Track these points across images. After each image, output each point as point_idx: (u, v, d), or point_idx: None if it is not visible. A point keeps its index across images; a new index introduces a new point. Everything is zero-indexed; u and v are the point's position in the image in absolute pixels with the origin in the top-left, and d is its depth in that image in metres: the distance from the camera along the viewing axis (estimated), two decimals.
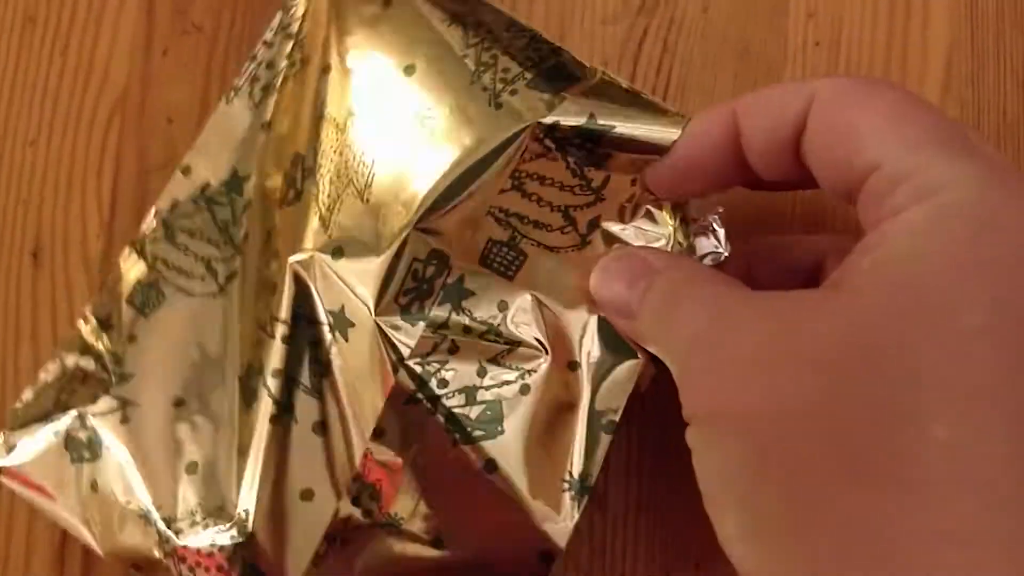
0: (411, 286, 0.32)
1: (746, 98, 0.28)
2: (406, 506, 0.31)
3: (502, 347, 0.32)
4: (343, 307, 0.32)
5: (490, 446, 0.31)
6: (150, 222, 0.36)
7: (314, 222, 0.33)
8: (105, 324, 0.35)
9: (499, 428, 0.31)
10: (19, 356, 0.38)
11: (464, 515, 0.31)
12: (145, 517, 0.33)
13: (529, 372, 0.31)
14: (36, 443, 0.34)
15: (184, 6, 0.40)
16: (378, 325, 0.31)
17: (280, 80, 0.36)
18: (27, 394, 0.35)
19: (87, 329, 0.36)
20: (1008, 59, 0.39)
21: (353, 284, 0.32)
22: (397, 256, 0.31)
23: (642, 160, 0.31)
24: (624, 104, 0.31)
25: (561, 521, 0.30)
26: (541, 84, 0.32)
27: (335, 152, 0.34)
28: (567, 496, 0.30)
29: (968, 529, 0.19)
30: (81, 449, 0.34)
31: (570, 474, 0.31)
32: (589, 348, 0.31)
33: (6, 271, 0.38)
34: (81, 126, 0.39)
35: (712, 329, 0.25)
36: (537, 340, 0.31)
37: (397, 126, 0.33)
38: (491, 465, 0.31)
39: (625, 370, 0.31)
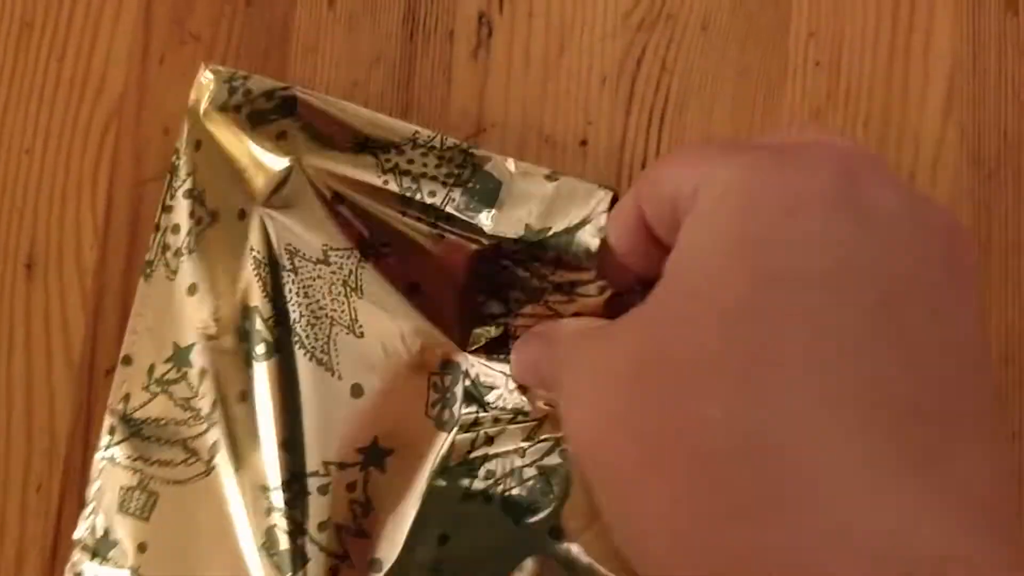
0: (436, 398, 0.33)
1: (643, 185, 0.28)
2: None
3: (532, 423, 0.33)
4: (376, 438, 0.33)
5: (547, 516, 0.32)
6: (108, 426, 0.35)
7: (317, 371, 0.34)
8: (104, 547, 0.34)
9: (551, 496, 0.32)
10: (12, 366, 0.37)
11: None
12: None
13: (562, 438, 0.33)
14: None
15: (182, 15, 0.40)
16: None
17: (193, 240, 0.36)
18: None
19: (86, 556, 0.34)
20: (1010, 81, 0.38)
21: None
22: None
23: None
24: (549, 199, 0.33)
25: None
26: (471, 204, 0.33)
27: (299, 295, 0.34)
28: None
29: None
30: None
31: None
32: None
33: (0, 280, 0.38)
34: (77, 135, 0.39)
35: (567, 362, 0.27)
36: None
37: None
38: (555, 533, 0.32)
39: None
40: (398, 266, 0.34)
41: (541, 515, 0.32)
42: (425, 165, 0.34)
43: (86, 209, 0.39)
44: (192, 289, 0.35)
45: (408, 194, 0.33)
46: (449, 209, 0.33)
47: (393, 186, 0.33)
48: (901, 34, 0.38)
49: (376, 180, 0.34)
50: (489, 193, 0.33)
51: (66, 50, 0.40)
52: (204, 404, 0.34)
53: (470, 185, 0.33)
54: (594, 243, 0.31)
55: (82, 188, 0.39)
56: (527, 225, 0.32)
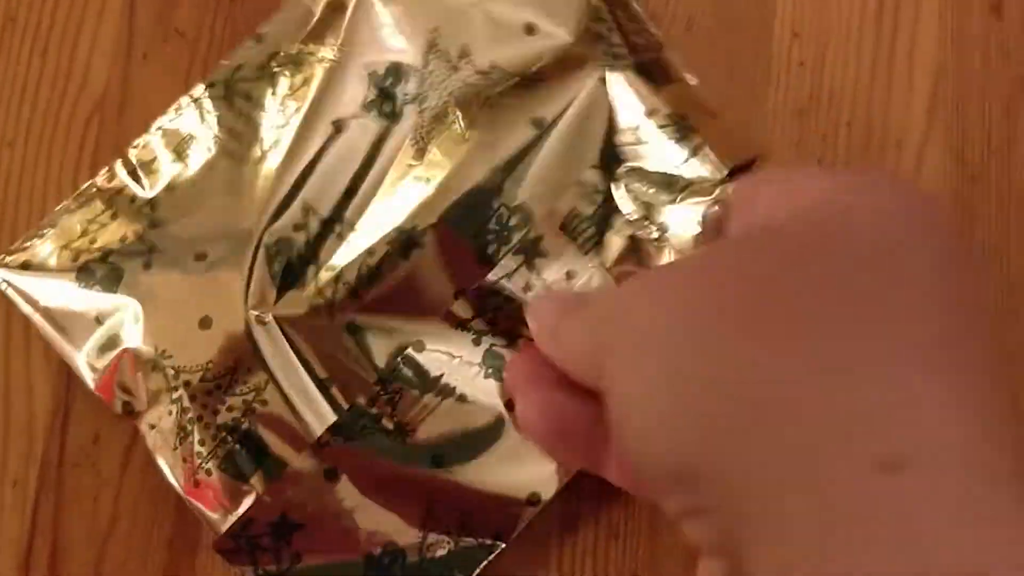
0: (495, 228, 0.35)
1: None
2: (417, 417, 0.34)
3: None
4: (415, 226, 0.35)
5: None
6: (212, 76, 0.38)
7: (409, 149, 0.36)
8: (147, 168, 0.37)
9: None
10: None
11: (470, 443, 0.34)
12: (152, 362, 0.34)
13: None
14: (45, 259, 0.36)
15: (167, 11, 0.40)
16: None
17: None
18: (50, 218, 0.37)
19: (124, 171, 0.37)
20: (995, 84, 0.38)
21: None
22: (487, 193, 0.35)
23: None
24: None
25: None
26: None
27: (443, 90, 0.36)
28: None
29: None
30: (92, 281, 0.35)
31: None
32: None
33: None
34: (59, 129, 0.39)
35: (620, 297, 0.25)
36: None
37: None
38: (509, 405, 0.33)
39: None
40: None
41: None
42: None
43: None
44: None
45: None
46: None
47: None
48: (885, 35, 0.38)
49: None
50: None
51: (49, 45, 0.40)
52: (291, 107, 0.37)
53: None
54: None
55: (64, 182, 0.39)
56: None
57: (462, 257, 0.35)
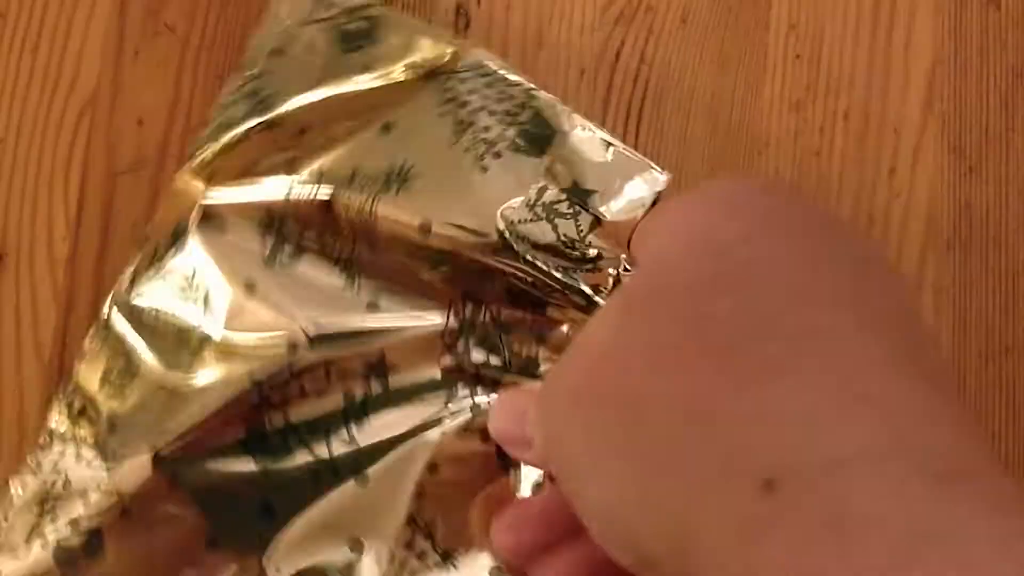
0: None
1: None
2: None
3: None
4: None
5: None
6: (114, 298, 0.35)
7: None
8: (81, 414, 0.34)
9: None
10: None
11: None
12: None
13: None
14: (22, 562, 0.33)
15: (156, 7, 0.39)
16: None
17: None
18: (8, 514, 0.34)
19: (64, 420, 0.34)
20: (991, 76, 0.38)
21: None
22: None
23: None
24: (602, 166, 0.33)
25: None
26: (523, 147, 0.33)
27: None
28: None
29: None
30: (76, 558, 0.32)
31: None
32: None
33: None
34: (50, 126, 0.39)
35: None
36: None
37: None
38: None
39: None
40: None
41: None
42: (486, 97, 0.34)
43: (59, 201, 0.38)
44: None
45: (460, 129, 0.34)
46: (501, 147, 0.33)
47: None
48: (882, 27, 0.38)
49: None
50: (543, 139, 0.33)
51: (40, 42, 0.39)
52: (198, 296, 0.34)
53: (523, 122, 0.33)
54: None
55: (55, 180, 0.38)
56: (574, 181, 0.32)
57: None
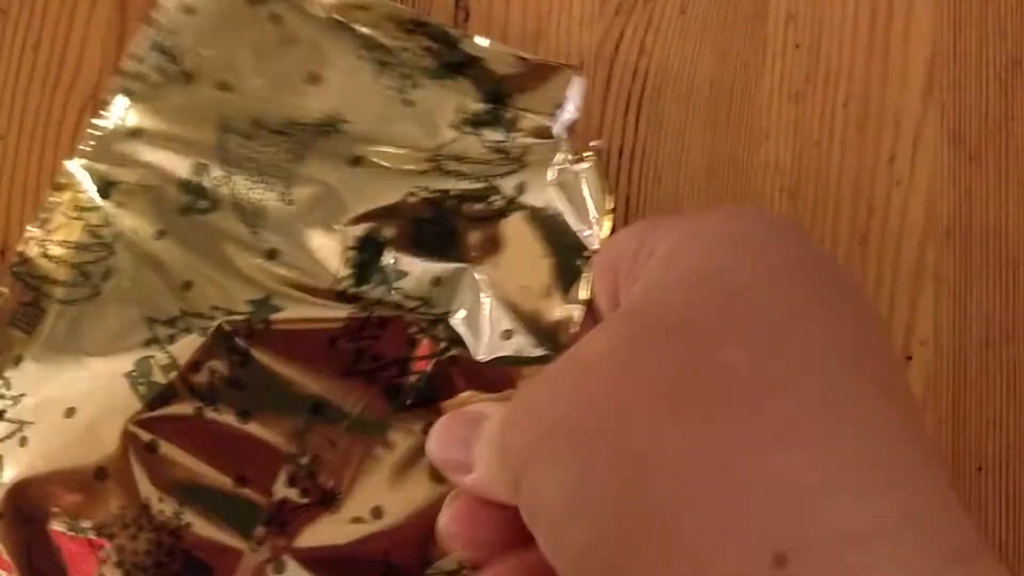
0: (346, 273, 0.34)
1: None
2: (343, 480, 0.32)
3: (432, 318, 0.33)
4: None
5: (424, 412, 0.32)
6: (21, 250, 0.36)
7: (237, 227, 0.35)
8: None
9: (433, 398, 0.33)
10: None
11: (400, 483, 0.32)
12: (70, 524, 0.33)
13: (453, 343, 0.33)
14: None
15: (158, 2, 0.39)
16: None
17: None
18: None
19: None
20: (991, 63, 0.38)
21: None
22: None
23: (546, 127, 0.34)
24: (519, 76, 0.35)
25: None
26: (442, 73, 0.35)
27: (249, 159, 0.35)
28: None
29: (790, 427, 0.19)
30: None
31: None
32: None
33: None
34: (52, 122, 0.39)
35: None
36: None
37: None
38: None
39: None
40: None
41: (418, 410, 0.33)
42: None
43: None
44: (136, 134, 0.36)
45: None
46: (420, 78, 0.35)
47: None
48: (881, 17, 0.38)
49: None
50: (459, 65, 0.36)
51: (41, 38, 0.40)
52: (108, 234, 0.35)
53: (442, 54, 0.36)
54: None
55: (56, 176, 0.38)
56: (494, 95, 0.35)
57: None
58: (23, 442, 0.33)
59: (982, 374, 0.36)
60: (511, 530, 0.25)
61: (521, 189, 0.33)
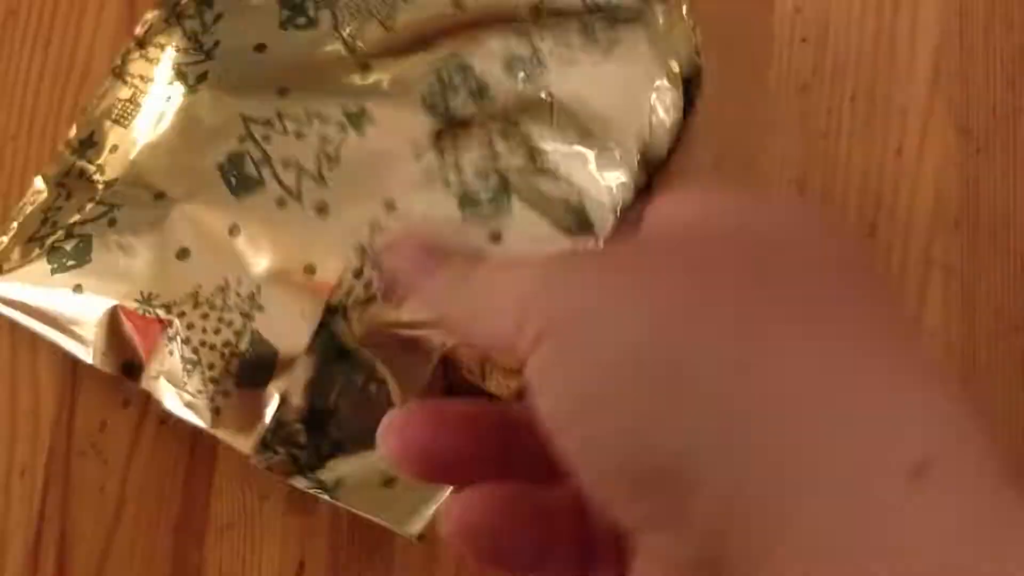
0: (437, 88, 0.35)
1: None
2: None
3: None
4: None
5: (496, 223, 0.34)
6: (126, 49, 0.38)
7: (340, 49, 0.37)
8: (87, 143, 0.37)
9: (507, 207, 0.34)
10: (1, 346, 0.37)
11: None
12: (142, 309, 0.34)
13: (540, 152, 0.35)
14: (20, 264, 0.36)
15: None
16: None
17: None
18: (11, 225, 0.37)
19: (67, 152, 0.37)
20: (997, 55, 0.38)
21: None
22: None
23: None
24: None
25: None
26: None
27: None
28: None
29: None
30: (64, 258, 0.35)
31: None
32: None
33: None
34: (62, 120, 0.39)
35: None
36: None
37: None
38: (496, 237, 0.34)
39: None
40: None
41: (489, 221, 0.34)
42: None
43: None
44: None
45: None
46: None
47: None
48: (887, 8, 0.38)
49: None
50: None
51: (51, 37, 0.40)
52: (209, 41, 0.37)
53: None
54: None
55: None
56: None
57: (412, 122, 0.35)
58: (112, 223, 0.35)
59: (991, 364, 0.36)
60: (470, 446, 0.22)
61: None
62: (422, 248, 0.23)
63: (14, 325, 0.37)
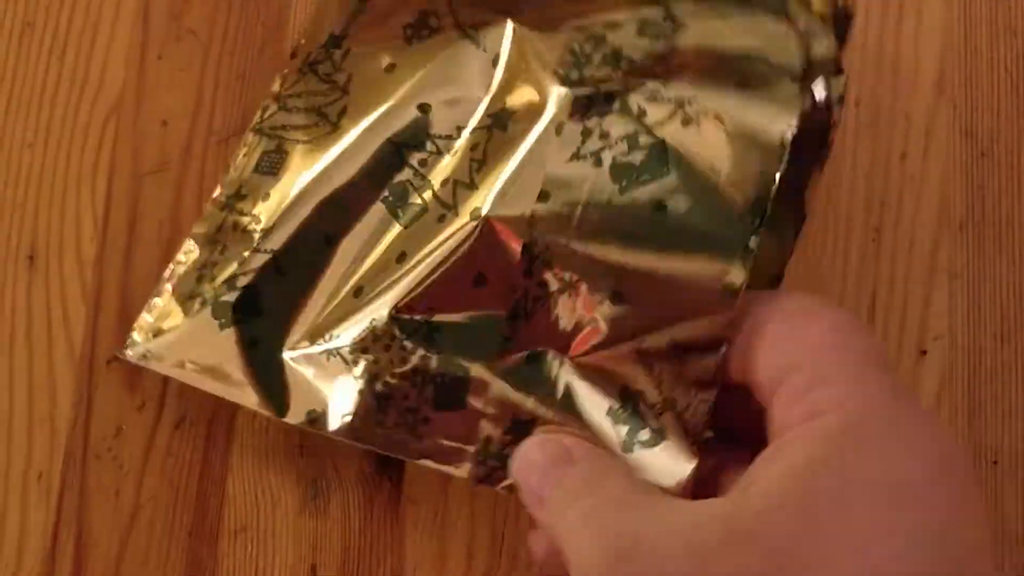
0: (570, 59, 0.34)
1: None
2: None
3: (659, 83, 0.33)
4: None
5: (656, 187, 0.31)
6: (264, 106, 0.38)
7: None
8: (237, 196, 0.37)
9: (664, 170, 0.31)
10: (14, 356, 0.38)
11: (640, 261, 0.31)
12: (332, 353, 0.34)
13: (688, 101, 0.32)
14: (182, 323, 0.35)
15: (179, 11, 0.40)
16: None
17: None
18: (165, 286, 0.36)
19: (216, 209, 0.37)
20: (1002, 60, 0.38)
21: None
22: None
23: None
24: None
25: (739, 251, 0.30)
26: None
27: None
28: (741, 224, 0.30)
29: None
30: (229, 312, 0.35)
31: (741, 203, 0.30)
32: None
33: (1, 274, 0.39)
34: (77, 130, 0.40)
35: (620, 543, 0.26)
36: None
37: None
38: (659, 206, 0.31)
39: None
40: None
41: (648, 186, 0.31)
42: None
43: (86, 202, 0.39)
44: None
45: None
46: None
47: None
48: (891, 13, 0.38)
49: None
50: None
51: (66, 48, 0.41)
52: (342, 78, 0.37)
53: None
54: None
55: (82, 182, 0.39)
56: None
57: None
58: (279, 270, 0.35)
59: (997, 368, 0.36)
60: None
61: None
62: (549, 459, 0.29)
63: (28, 331, 0.38)
